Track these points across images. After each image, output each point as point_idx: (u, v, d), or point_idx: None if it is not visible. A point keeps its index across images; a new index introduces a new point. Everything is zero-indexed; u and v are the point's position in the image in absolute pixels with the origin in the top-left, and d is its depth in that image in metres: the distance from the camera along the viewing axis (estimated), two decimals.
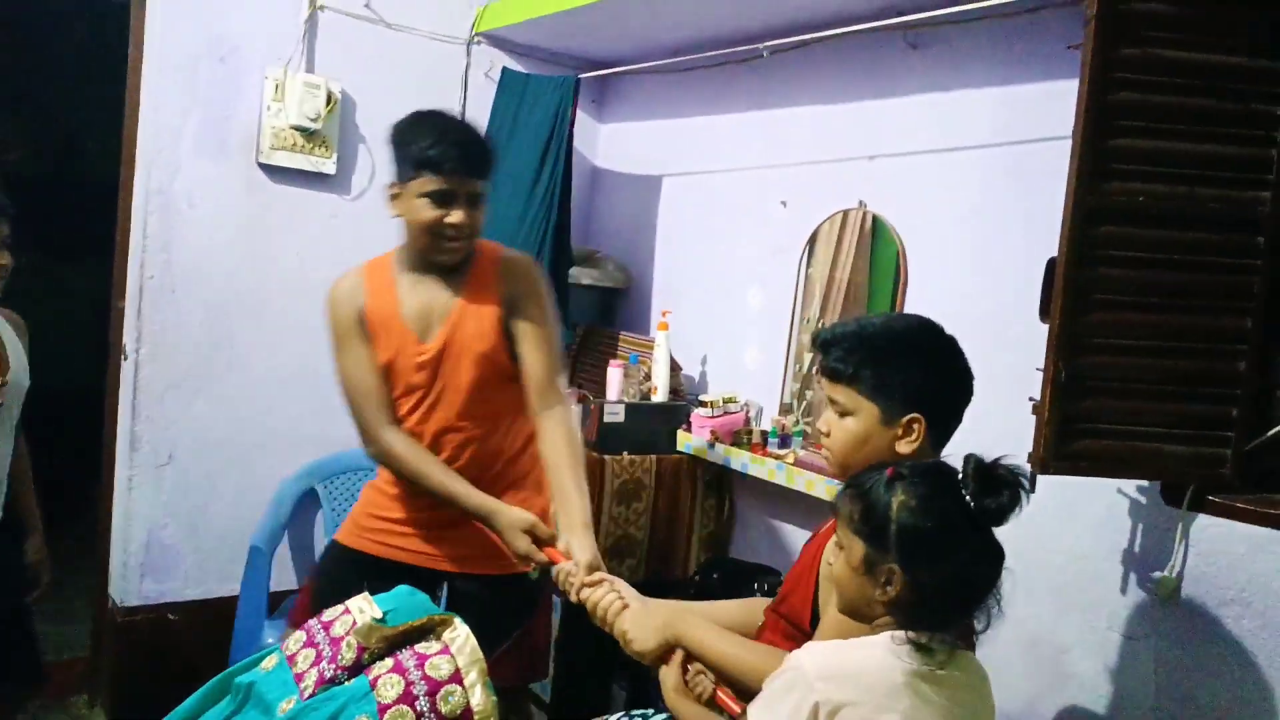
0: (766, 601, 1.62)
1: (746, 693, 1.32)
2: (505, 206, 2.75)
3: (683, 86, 2.96)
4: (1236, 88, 1.61)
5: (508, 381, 1.82)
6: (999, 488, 1.13)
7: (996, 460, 1.15)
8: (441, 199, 1.69)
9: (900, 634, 1.13)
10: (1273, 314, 1.67)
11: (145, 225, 2.56)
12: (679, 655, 1.39)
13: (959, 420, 1.43)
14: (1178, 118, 1.61)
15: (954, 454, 1.34)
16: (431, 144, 1.69)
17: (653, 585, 2.57)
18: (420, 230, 1.73)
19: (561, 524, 1.67)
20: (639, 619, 1.44)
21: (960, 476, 1.16)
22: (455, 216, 1.70)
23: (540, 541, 1.66)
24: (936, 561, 1.12)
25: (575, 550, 1.59)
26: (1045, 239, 1.68)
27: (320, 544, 2.75)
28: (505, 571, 1.81)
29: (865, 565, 1.15)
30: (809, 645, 1.21)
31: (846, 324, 1.49)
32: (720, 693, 1.36)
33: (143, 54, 2.58)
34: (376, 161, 2.85)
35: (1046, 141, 1.94)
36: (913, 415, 1.36)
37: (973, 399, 1.50)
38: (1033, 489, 1.66)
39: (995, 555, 1.15)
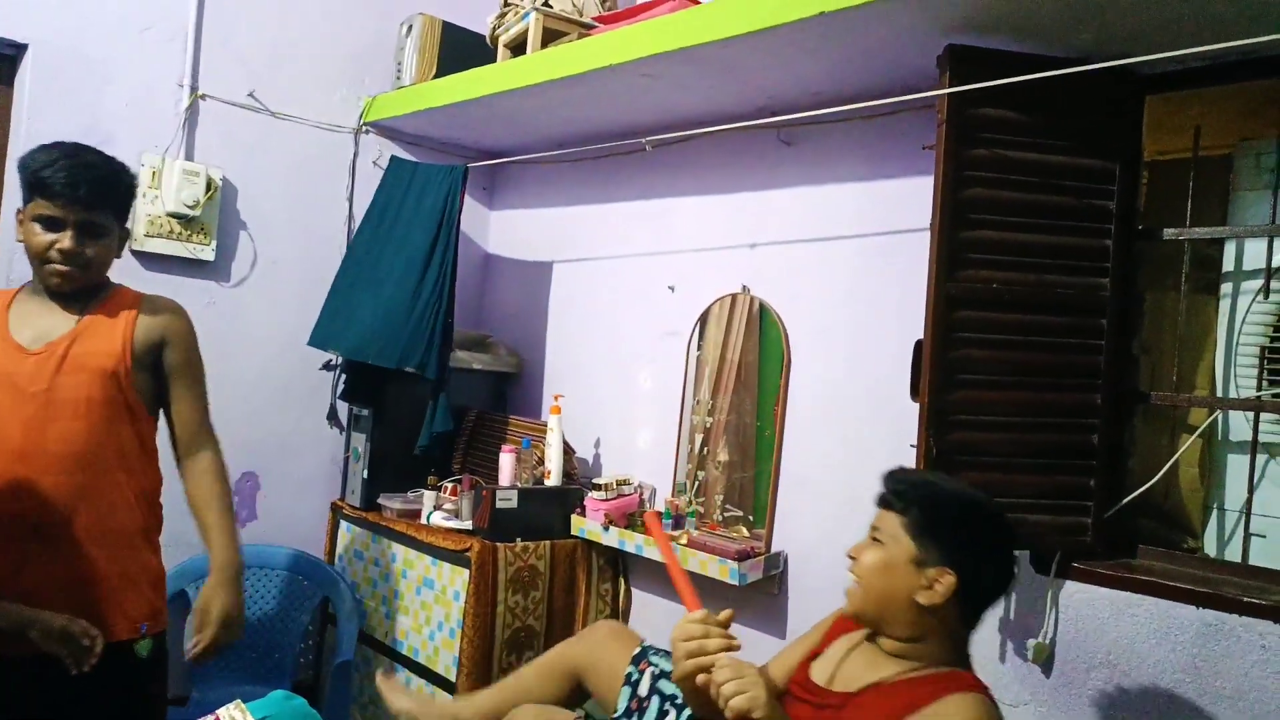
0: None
1: None
2: (396, 291, 2.73)
3: (571, 176, 3.04)
4: (1072, 184, 1.77)
5: (126, 416, 1.74)
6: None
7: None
8: (50, 224, 1.68)
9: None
10: (1118, 389, 1.81)
11: None
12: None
13: (990, 604, 1.41)
14: (1024, 211, 1.76)
15: (850, 528, 1.37)
16: (44, 167, 1.67)
17: None
18: (32, 255, 1.71)
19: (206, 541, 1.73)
20: (750, 676, 1.29)
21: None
22: (64, 243, 1.68)
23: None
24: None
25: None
26: (914, 322, 1.78)
27: None
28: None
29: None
30: None
31: (916, 471, 1.62)
32: None
33: (8, 138, 2.48)
34: (259, 248, 2.80)
35: (910, 232, 2.07)
36: (944, 569, 1.34)
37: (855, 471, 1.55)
38: None
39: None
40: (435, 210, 2.78)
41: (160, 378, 1.82)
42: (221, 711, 1.15)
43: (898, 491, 1.40)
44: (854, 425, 2.19)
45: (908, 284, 2.02)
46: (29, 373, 1.67)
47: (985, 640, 1.90)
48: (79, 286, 1.73)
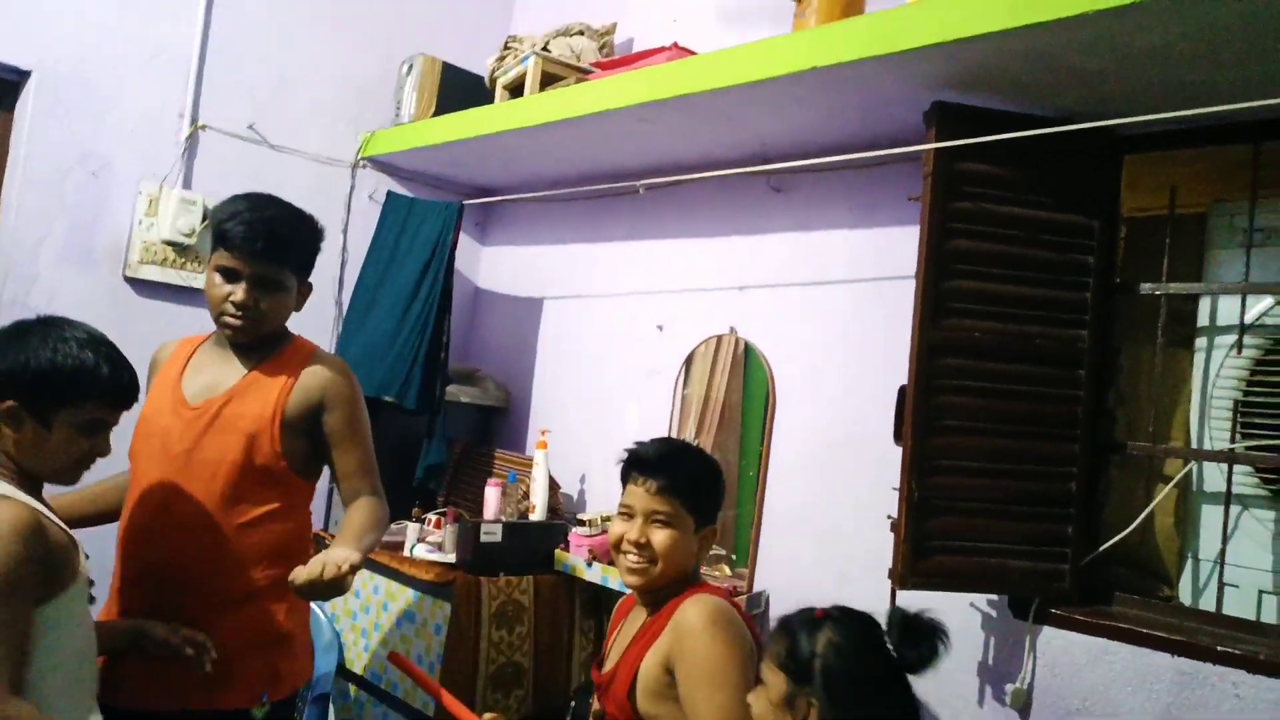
0: None
1: None
2: (380, 323, 2.76)
3: (563, 215, 3.09)
4: (1053, 239, 1.83)
5: (268, 479, 1.72)
6: (920, 638, 1.21)
7: (919, 613, 1.24)
8: (228, 275, 1.70)
9: None
10: (1096, 439, 1.85)
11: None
12: None
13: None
14: (1006, 263, 1.81)
15: (831, 567, 1.40)
16: (228, 219, 1.69)
17: (544, 716, 2.49)
18: (210, 305, 1.74)
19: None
20: None
21: (885, 627, 1.25)
22: (238, 295, 1.69)
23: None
24: (855, 704, 1.18)
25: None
26: (899, 367, 1.82)
27: None
28: (216, 707, 1.65)
29: (785, 700, 1.21)
30: None
31: (663, 444, 1.65)
32: None
33: (5, 162, 2.50)
34: None
35: (896, 279, 2.12)
36: (712, 527, 1.60)
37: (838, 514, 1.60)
38: (894, 602, 1.77)
39: (913, 709, 1.23)
40: (428, 244, 2.82)
41: (318, 439, 1.77)
42: None
43: (673, 476, 1.54)
44: (837, 467, 2.22)
45: (893, 330, 2.06)
46: (180, 430, 1.69)
47: (961, 684, 1.91)
48: (252, 339, 1.73)
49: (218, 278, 1.70)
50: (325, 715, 2.58)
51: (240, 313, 1.69)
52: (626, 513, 1.59)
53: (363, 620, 2.70)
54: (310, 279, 1.82)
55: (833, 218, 2.33)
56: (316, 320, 2.93)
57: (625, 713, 1.49)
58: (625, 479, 1.62)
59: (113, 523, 1.78)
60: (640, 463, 1.59)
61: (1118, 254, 1.92)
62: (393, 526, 2.80)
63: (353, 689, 2.67)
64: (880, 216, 2.22)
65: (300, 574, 1.53)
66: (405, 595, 2.56)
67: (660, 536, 1.54)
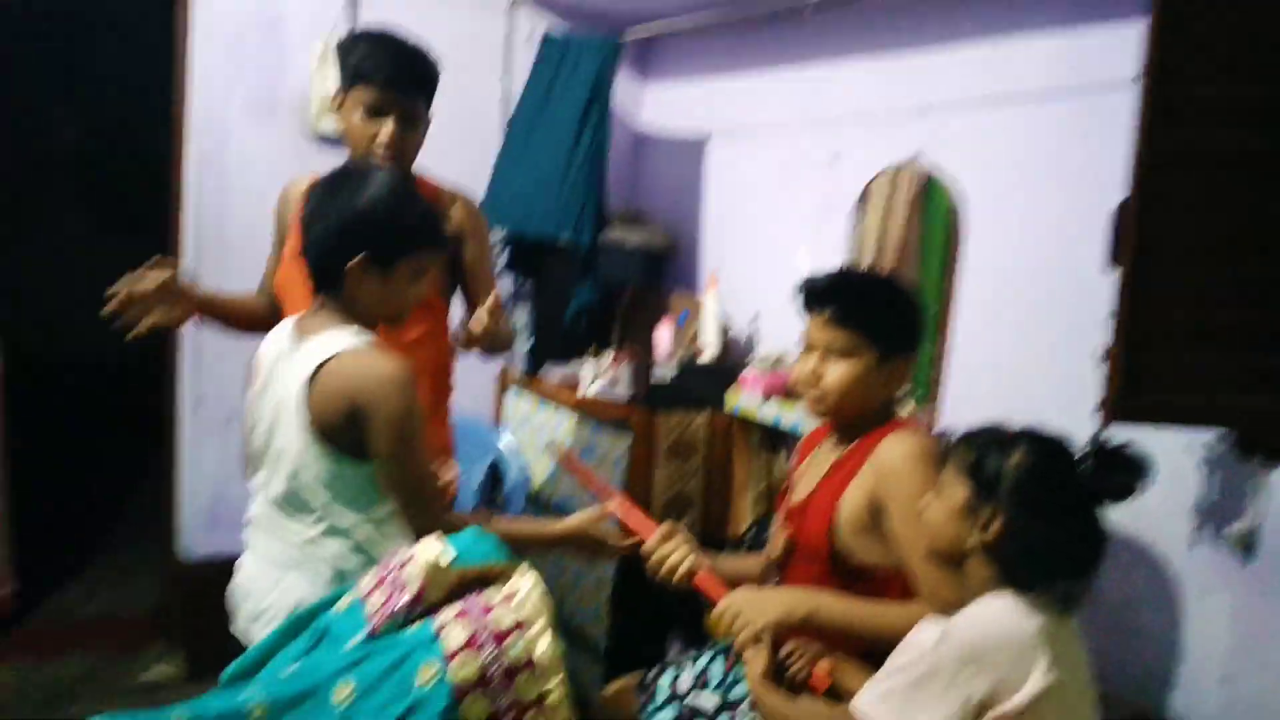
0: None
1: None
2: (543, 171, 2.74)
3: (728, 43, 2.90)
4: None
5: (422, 304, 1.77)
6: (1121, 468, 1.18)
7: (1126, 443, 1.20)
8: (373, 112, 1.68)
9: (1021, 594, 1.16)
10: None
11: (199, 193, 2.60)
12: (769, 639, 1.38)
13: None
14: (1256, 56, 1.53)
15: (1025, 408, 1.32)
16: (365, 56, 1.67)
17: (707, 544, 2.58)
18: (354, 144, 1.73)
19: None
20: (751, 597, 1.42)
21: (1079, 455, 1.21)
22: (385, 133, 1.68)
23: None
24: (1042, 520, 1.16)
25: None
26: (1108, 189, 1.62)
27: None
28: None
29: (966, 508, 1.20)
30: (934, 627, 1.22)
31: (837, 273, 1.57)
32: (816, 675, 1.37)
33: (189, 25, 2.60)
34: None
35: (1112, 87, 1.86)
36: (901, 357, 1.50)
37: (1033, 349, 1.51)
38: (1098, 440, 1.65)
39: (1098, 539, 1.19)
40: (587, 83, 2.74)
41: (459, 272, 1.89)
42: (420, 545, 1.23)
43: (847, 306, 1.47)
44: (1032, 299, 2.05)
45: (1103, 147, 1.83)
46: None
47: (1171, 527, 1.79)
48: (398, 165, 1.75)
49: (360, 114, 1.69)
50: None
51: (389, 152, 1.70)
52: (806, 347, 1.53)
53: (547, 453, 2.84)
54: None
55: (1034, 19, 2.05)
56: (480, 169, 2.95)
57: (820, 544, 1.48)
58: (803, 311, 1.55)
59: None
60: (813, 293, 1.52)
61: None
62: (570, 365, 2.89)
63: (542, 513, 2.85)
64: (1091, 11, 1.93)
65: (477, 324, 1.69)
66: (585, 430, 2.66)
67: (833, 370, 1.48)
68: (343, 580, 1.40)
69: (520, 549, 1.36)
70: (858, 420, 1.52)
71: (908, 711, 1.14)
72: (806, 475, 1.62)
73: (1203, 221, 1.57)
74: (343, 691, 1.09)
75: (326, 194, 1.44)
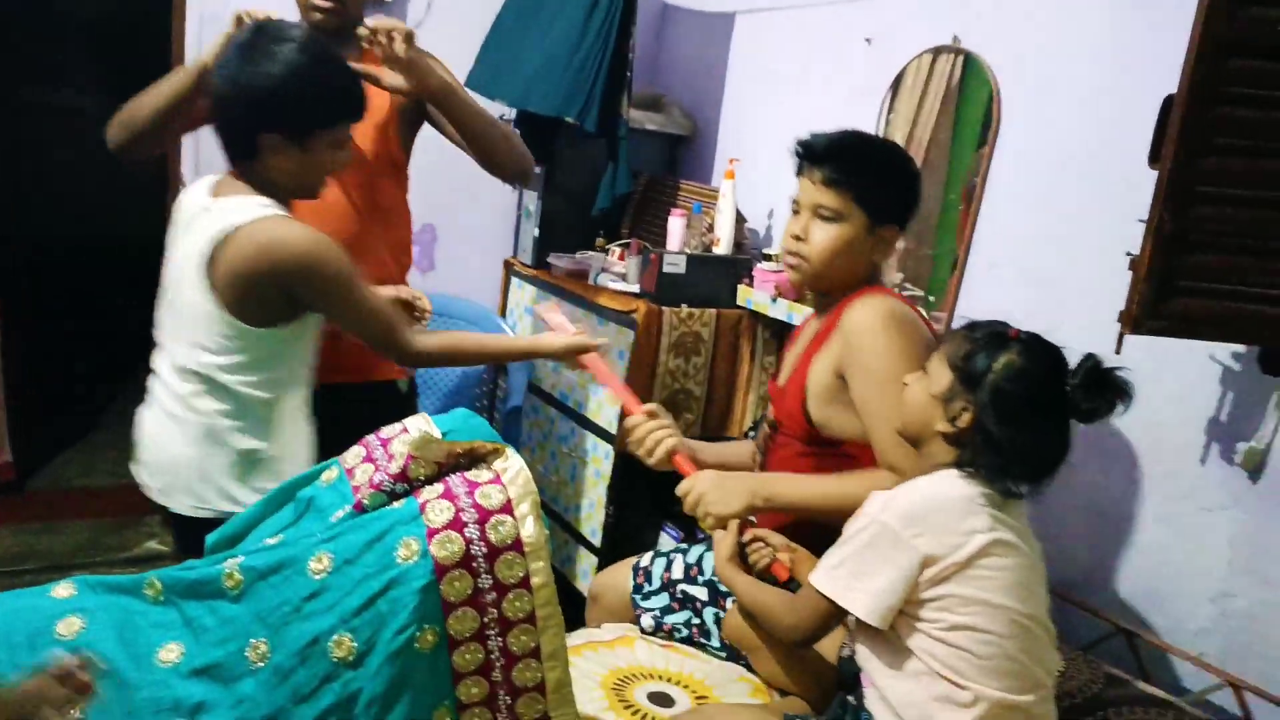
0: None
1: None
2: (556, 43, 2.58)
3: None
4: None
5: (390, 170, 1.83)
6: (1103, 392, 1.16)
7: (1112, 368, 1.17)
8: None
9: (963, 470, 1.18)
10: None
11: (200, 50, 2.48)
12: (735, 525, 1.39)
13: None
14: None
15: (1042, 311, 1.27)
16: None
17: (709, 440, 2.56)
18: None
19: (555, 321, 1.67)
20: (716, 483, 1.40)
21: (1072, 368, 1.18)
22: None
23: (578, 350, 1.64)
24: (1010, 424, 1.15)
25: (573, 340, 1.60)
26: (1163, 81, 1.50)
27: None
28: (371, 379, 1.82)
29: (945, 394, 1.19)
30: (876, 499, 1.20)
31: (837, 134, 1.49)
32: (777, 562, 1.38)
33: None
34: None
35: None
36: (893, 226, 1.45)
37: (1062, 251, 1.44)
38: (1118, 350, 1.59)
39: (1062, 447, 1.19)
40: None
41: (419, 125, 1.86)
42: (409, 420, 1.21)
43: (843, 167, 1.41)
44: (1069, 197, 1.94)
45: (1160, 33, 1.70)
46: None
47: (1184, 440, 1.74)
48: (341, 23, 1.72)
49: None
50: (518, 426, 2.77)
51: (329, 2, 1.68)
52: (795, 208, 1.47)
53: None
54: None
55: None
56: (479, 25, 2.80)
57: (797, 420, 1.46)
58: (797, 172, 1.48)
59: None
60: (809, 152, 1.46)
61: None
62: (577, 255, 2.82)
63: (543, 404, 2.83)
64: None
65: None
66: (590, 321, 2.60)
67: (820, 232, 1.43)
68: (214, 440, 1.46)
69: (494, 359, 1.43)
70: (839, 289, 1.47)
71: (858, 578, 1.16)
72: (790, 354, 1.59)
73: (1256, 114, 1.46)
74: (320, 562, 1.07)
75: (238, 61, 1.39)
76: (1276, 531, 1.62)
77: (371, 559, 1.07)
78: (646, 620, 1.57)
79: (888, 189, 1.44)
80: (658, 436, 1.47)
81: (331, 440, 1.49)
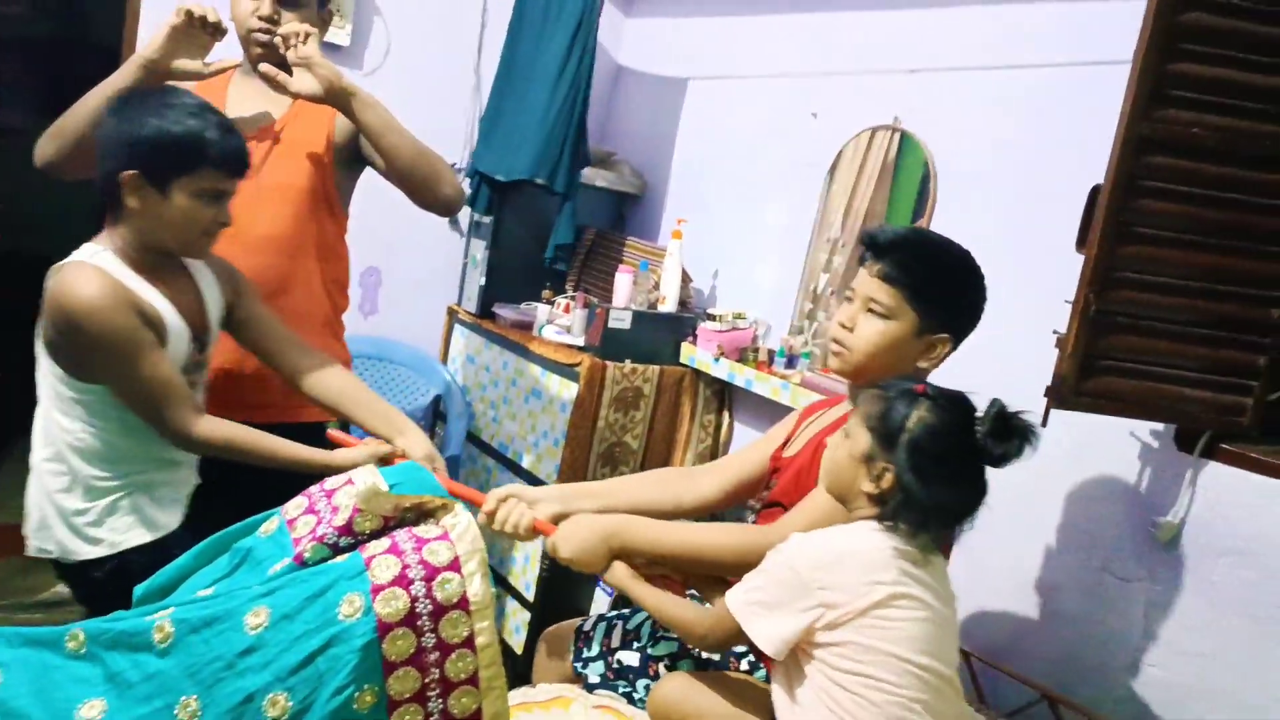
0: (675, 472, 1.74)
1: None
2: (532, 100, 2.64)
3: None
4: None
5: (325, 206, 1.80)
6: (1011, 436, 1.20)
7: (1016, 412, 1.21)
8: None
9: (883, 523, 1.22)
10: None
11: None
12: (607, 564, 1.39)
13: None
14: (1247, 47, 1.52)
15: (971, 385, 1.32)
16: None
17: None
18: (237, 25, 1.71)
19: (384, 429, 1.56)
20: (577, 539, 1.39)
21: (979, 415, 1.22)
22: (263, 9, 1.68)
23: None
24: (930, 482, 1.19)
25: (412, 447, 1.52)
26: (1093, 169, 1.60)
27: None
28: (301, 420, 1.74)
29: (866, 457, 1.24)
30: (795, 539, 1.24)
31: (907, 231, 1.49)
32: (537, 521, 1.44)
33: None
34: (392, 37, 2.73)
35: (1102, 65, 1.84)
36: (944, 336, 1.42)
37: (994, 326, 1.49)
38: (1044, 423, 1.65)
39: (979, 493, 1.23)
40: (574, 13, 2.63)
41: (357, 165, 1.84)
42: (356, 474, 1.18)
43: (902, 264, 1.38)
44: (1002, 276, 2.02)
45: (1091, 125, 1.80)
46: None
47: (1105, 513, 1.82)
48: (280, 59, 1.69)
49: None
50: (455, 475, 2.73)
51: (268, 25, 1.67)
52: (849, 295, 1.45)
53: (492, 393, 2.78)
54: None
55: None
56: (454, 87, 2.85)
57: (806, 490, 1.46)
58: (860, 260, 1.47)
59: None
60: (872, 243, 1.43)
61: None
62: (523, 306, 2.83)
63: (480, 454, 2.80)
64: None
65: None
66: (533, 372, 2.61)
67: (868, 326, 1.40)
68: (50, 478, 1.44)
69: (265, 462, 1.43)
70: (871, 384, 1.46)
71: (765, 608, 1.21)
72: (804, 432, 1.58)
73: (1173, 208, 1.56)
74: (257, 616, 1.04)
75: (115, 109, 1.43)
76: (1190, 603, 1.70)
77: (312, 614, 1.04)
78: (594, 677, 1.56)
79: (946, 296, 1.40)
80: (516, 515, 1.44)
81: (257, 483, 1.44)
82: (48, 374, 1.44)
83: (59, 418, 1.44)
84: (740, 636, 1.25)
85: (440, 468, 1.47)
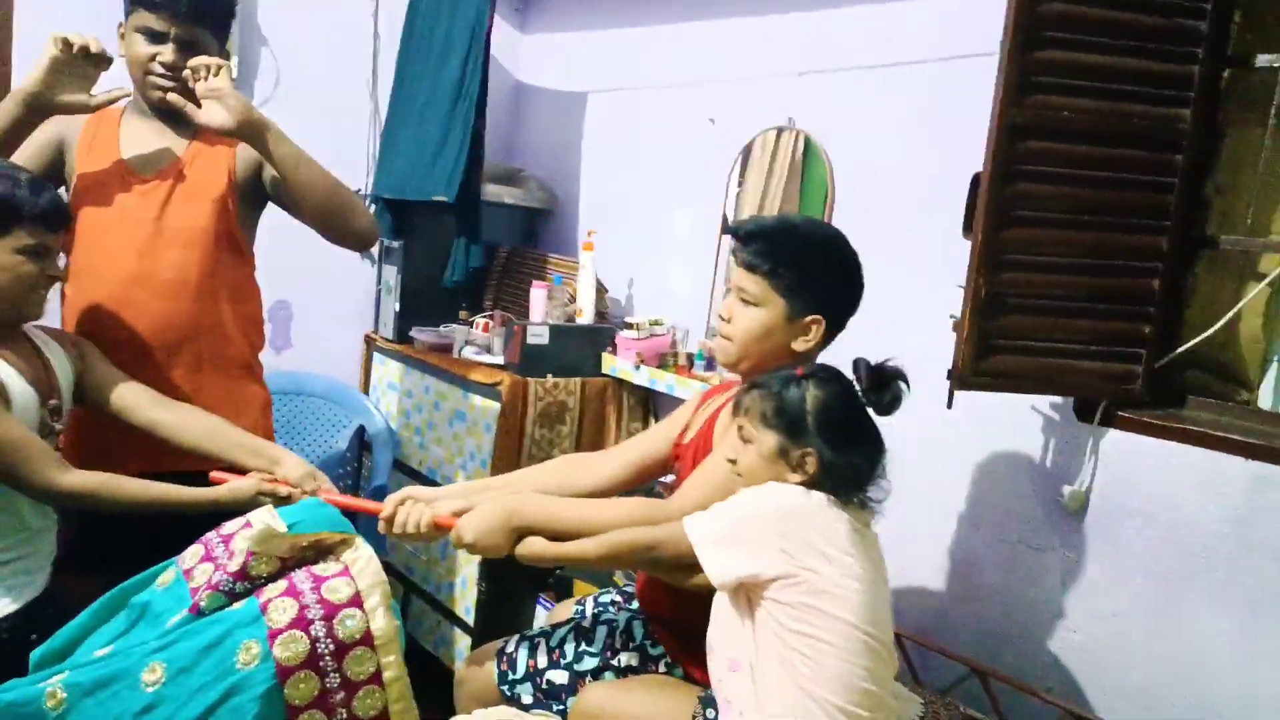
0: (575, 458, 1.78)
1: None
2: (428, 124, 2.63)
3: None
4: (1164, 2, 1.59)
5: (232, 245, 1.77)
6: (887, 383, 1.30)
7: (882, 362, 1.31)
8: (152, 37, 1.65)
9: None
10: (1186, 233, 1.69)
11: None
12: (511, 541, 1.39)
13: (842, 329, 1.52)
14: (1106, 31, 1.59)
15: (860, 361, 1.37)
16: None
17: None
18: (133, 68, 1.69)
19: (260, 462, 1.52)
20: (478, 524, 1.38)
21: (855, 375, 1.32)
22: (165, 56, 1.65)
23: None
24: (846, 445, 1.27)
25: (289, 471, 1.49)
26: (976, 157, 1.65)
27: None
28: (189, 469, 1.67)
29: (778, 452, 1.27)
30: (773, 485, 1.27)
31: (770, 219, 1.54)
32: (437, 516, 1.43)
33: None
34: (281, 67, 2.68)
35: (978, 56, 1.90)
36: (815, 317, 1.44)
37: (894, 315, 1.53)
38: (950, 405, 1.70)
39: (882, 446, 1.33)
40: (465, 32, 2.62)
41: (260, 203, 1.82)
42: (253, 516, 1.16)
43: (763, 253, 1.43)
44: (897, 266, 2.08)
45: (974, 114, 1.86)
46: (141, 199, 1.68)
47: (1014, 487, 1.87)
48: (185, 91, 1.66)
49: (140, 39, 1.65)
50: None
51: (171, 74, 1.65)
52: (727, 288, 1.52)
53: (415, 419, 2.75)
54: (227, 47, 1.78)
55: None
56: (351, 114, 2.81)
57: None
58: (731, 253, 1.53)
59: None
60: (735, 234, 1.48)
61: (1232, 22, 1.68)
62: (440, 328, 2.80)
63: (409, 481, 2.76)
64: None
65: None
66: (455, 394, 2.58)
67: (741, 315, 1.45)
68: None
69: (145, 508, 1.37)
70: (761, 372, 1.49)
71: (728, 549, 1.23)
72: (699, 416, 1.61)
73: (1050, 189, 1.62)
74: (154, 672, 1.01)
75: None
76: (1101, 567, 1.76)
77: (209, 666, 1.01)
78: (526, 698, 1.54)
79: (810, 278, 1.43)
80: (415, 515, 1.41)
81: (172, 534, 1.38)
82: None
83: None
84: (689, 561, 1.26)
85: (325, 484, 1.45)
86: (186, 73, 1.62)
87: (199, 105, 1.62)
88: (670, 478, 1.74)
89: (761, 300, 1.43)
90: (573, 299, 2.65)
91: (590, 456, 1.72)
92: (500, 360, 2.57)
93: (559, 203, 3.03)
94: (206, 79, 1.60)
